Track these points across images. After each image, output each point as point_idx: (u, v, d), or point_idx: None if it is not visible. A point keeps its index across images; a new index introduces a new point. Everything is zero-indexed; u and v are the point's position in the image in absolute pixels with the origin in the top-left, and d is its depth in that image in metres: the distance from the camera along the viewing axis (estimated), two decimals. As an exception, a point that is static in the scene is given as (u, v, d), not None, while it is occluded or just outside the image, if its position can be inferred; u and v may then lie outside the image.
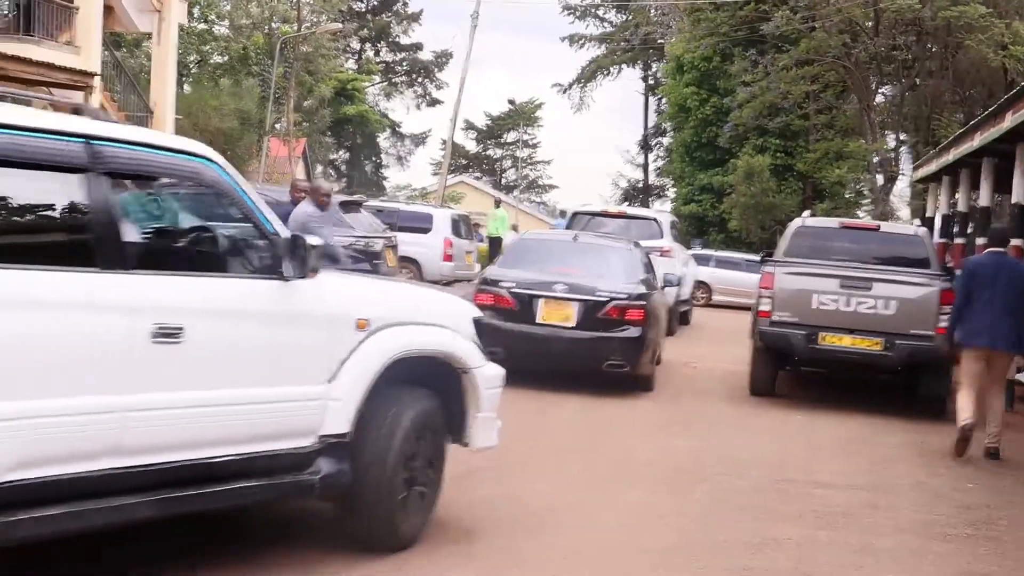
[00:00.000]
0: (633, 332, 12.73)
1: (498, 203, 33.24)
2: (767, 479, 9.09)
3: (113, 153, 5.13)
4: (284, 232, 5.77)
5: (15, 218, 4.99)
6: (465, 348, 6.68)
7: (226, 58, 46.63)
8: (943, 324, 12.46)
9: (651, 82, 66.18)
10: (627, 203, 64.58)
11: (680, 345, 18.43)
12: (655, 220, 21.04)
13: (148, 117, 26.38)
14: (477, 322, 6.95)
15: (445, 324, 6.61)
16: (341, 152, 67.41)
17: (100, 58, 23.82)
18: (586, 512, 7.64)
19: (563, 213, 30.19)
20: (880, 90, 44.80)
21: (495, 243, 29.58)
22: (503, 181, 77.21)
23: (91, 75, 21.57)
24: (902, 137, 43.56)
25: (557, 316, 12.73)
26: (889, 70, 41.94)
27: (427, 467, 6.52)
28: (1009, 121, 12.89)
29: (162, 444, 5.15)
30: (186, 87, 44.58)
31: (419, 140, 72.43)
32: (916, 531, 7.74)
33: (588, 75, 66.71)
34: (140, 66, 37.85)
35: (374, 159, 71.05)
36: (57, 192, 5.01)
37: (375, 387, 6.03)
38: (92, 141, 5.06)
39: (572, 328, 12.68)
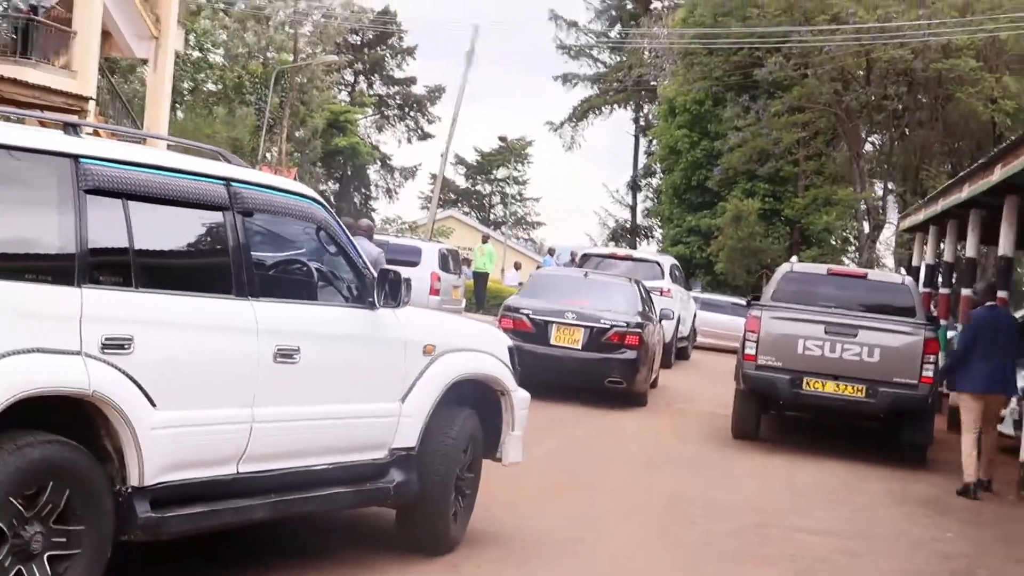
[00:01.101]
0: (630, 355, 15.01)
1: (486, 239, 33.32)
2: (749, 523, 9.13)
3: (246, 194, 5.89)
4: (371, 267, 6.59)
5: (171, 249, 5.72)
6: (505, 373, 7.41)
7: (220, 86, 46.79)
8: (927, 373, 12.61)
9: (642, 123, 66.47)
10: (614, 243, 64.71)
11: (672, 381, 18.88)
12: (657, 263, 23.11)
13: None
14: (511, 350, 7.62)
15: (489, 351, 7.37)
16: (331, 183, 67.45)
17: (96, 83, 23.89)
18: (575, 548, 7.69)
19: (551, 251, 30.32)
20: (870, 139, 45.13)
21: (481, 279, 29.53)
22: (491, 217, 77.35)
23: (86, 99, 21.64)
24: (890, 186, 43.84)
25: (567, 339, 15.04)
26: (879, 119, 42.26)
27: (470, 479, 7.28)
28: (998, 175, 13.02)
29: (278, 452, 5.87)
30: (179, 113, 44.71)
31: (409, 173, 72.43)
32: (895, 579, 7.79)
33: (580, 114, 66.95)
34: (134, 92, 37.97)
35: (363, 191, 71.09)
36: (203, 227, 5.77)
37: (437, 406, 6.79)
38: (231, 183, 5.83)
39: (579, 350, 15.02)
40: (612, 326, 15.10)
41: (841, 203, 42.24)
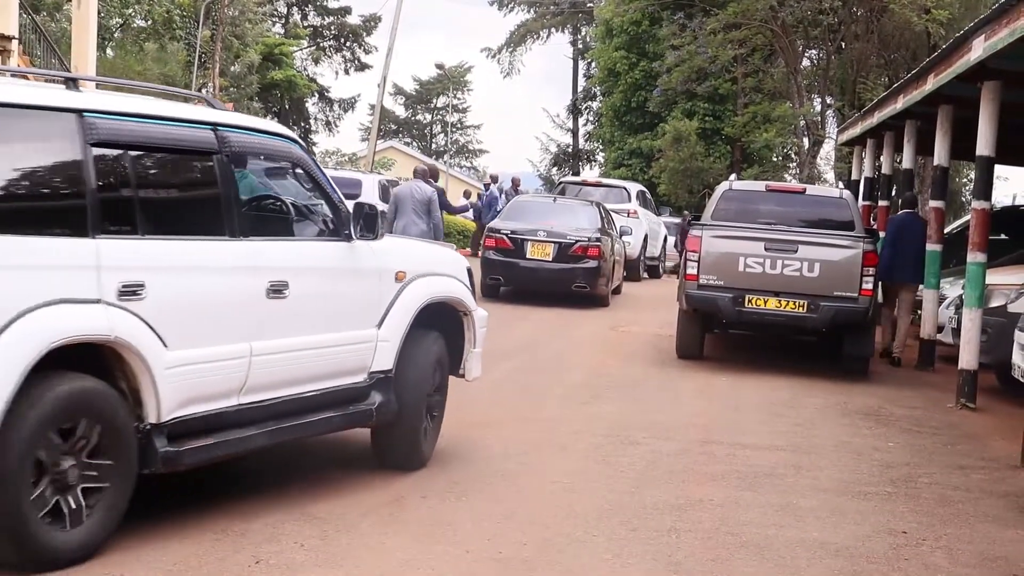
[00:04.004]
0: (592, 264, 18.10)
1: (427, 168, 32.95)
2: (693, 442, 9.18)
3: (232, 137, 6.22)
4: (346, 201, 7.02)
5: (170, 195, 6.10)
6: (466, 294, 7.87)
7: (149, 22, 45.81)
8: (867, 286, 12.73)
9: (580, 46, 66.09)
10: (557, 168, 64.68)
11: (638, 292, 21.46)
12: (625, 189, 26.26)
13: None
14: (469, 271, 8.05)
15: (452, 274, 7.79)
16: (269, 117, 66.59)
17: (18, 21, 23.24)
18: (517, 478, 7.68)
19: (494, 178, 30.09)
20: (807, 54, 45.10)
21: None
22: (433, 146, 76.83)
23: (8, 39, 21.02)
24: (828, 100, 43.93)
25: (540, 253, 18.08)
26: (815, 33, 42.22)
27: (438, 399, 7.79)
28: (931, 84, 13.04)
29: (273, 382, 6.31)
30: (109, 51, 43.80)
31: (348, 105, 71.53)
32: (837, 490, 7.87)
33: (517, 40, 66.45)
34: (61, 31, 37.08)
35: (302, 125, 70.20)
36: (197, 172, 6.16)
37: (409, 329, 7.24)
38: (218, 128, 6.16)
39: (551, 261, 18.06)
40: (576, 241, 17.99)
41: (780, 119, 42.30)
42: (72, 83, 5.61)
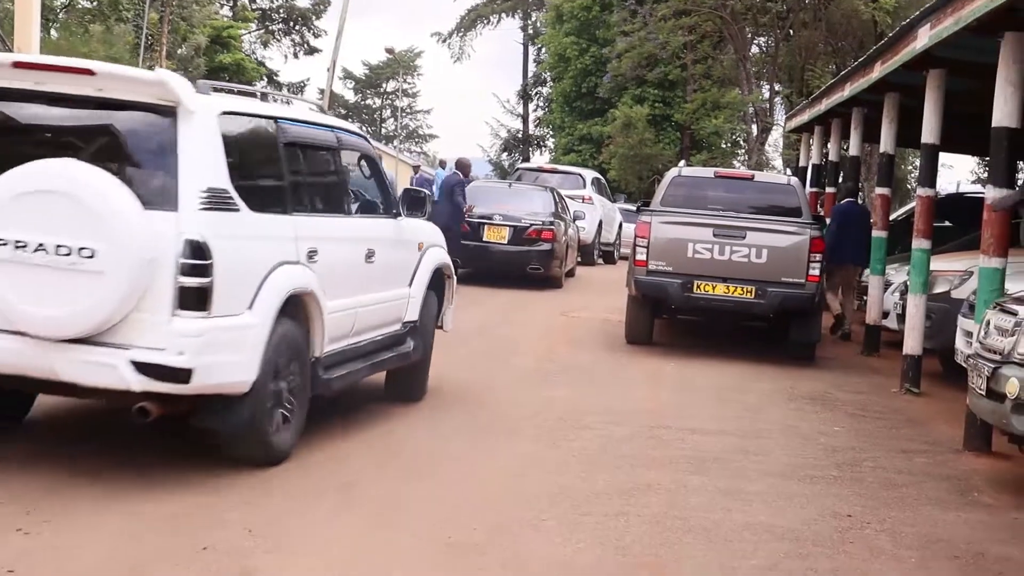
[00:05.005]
0: (546, 247, 19.06)
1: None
2: (643, 427, 9.21)
3: (343, 137, 8.23)
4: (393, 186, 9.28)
5: (321, 182, 7.90)
6: (448, 260, 9.61)
7: (95, 3, 45.23)
8: (814, 272, 12.85)
9: (531, 32, 65.99)
10: (506, 152, 64.67)
11: (591, 276, 21.94)
12: (580, 175, 27.01)
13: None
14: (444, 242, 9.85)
15: (441, 244, 9.56)
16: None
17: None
18: (468, 462, 7.69)
19: (443, 163, 30.03)
20: (755, 41, 45.34)
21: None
22: (383, 131, 76.48)
23: (-50, 20, 20.72)
24: (776, 87, 44.19)
25: (496, 236, 19.04)
26: (764, 21, 42.43)
27: (431, 345, 9.48)
28: (878, 72, 13.15)
29: (365, 328, 8.10)
30: (53, 32, 43.22)
31: (297, 90, 71.02)
32: (784, 474, 7.94)
33: (468, 24, 66.24)
34: (4, 11, 36.53)
35: (251, 108, 69.52)
36: (331, 164, 7.99)
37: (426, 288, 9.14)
38: (334, 129, 8.15)
39: (506, 244, 19.00)
40: (531, 224, 18.96)
41: (729, 106, 42.52)
42: (264, 96, 7.54)
